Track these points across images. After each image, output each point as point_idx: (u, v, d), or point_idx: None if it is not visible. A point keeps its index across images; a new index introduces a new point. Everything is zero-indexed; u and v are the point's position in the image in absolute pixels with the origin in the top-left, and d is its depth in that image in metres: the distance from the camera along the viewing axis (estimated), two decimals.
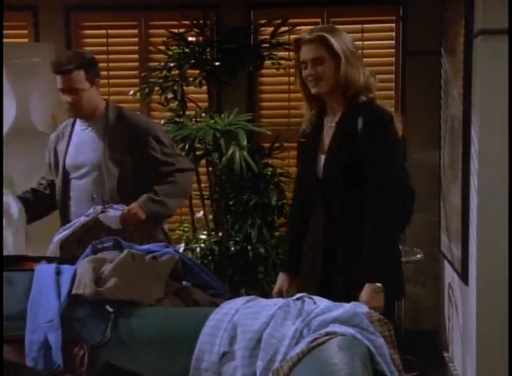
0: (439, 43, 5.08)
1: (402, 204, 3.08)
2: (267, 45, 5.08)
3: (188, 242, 4.99)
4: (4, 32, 5.04)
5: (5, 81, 4.75)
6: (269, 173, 4.95)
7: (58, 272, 2.82)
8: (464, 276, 4.23)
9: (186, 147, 4.63)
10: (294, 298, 2.61)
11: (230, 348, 2.47)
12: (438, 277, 5.27)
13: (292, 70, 5.17)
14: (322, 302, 2.56)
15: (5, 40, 5.06)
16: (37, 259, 3.09)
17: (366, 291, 2.96)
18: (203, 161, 5.02)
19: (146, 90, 5.01)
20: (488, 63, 3.87)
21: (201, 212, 5.14)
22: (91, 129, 3.75)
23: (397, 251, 3.18)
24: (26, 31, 5.45)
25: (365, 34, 5.33)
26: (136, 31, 5.46)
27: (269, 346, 2.41)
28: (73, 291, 2.70)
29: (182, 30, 5.13)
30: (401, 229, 3.29)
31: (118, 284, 2.72)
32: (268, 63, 5.14)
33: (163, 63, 5.06)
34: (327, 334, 2.33)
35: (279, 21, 5.07)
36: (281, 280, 3.32)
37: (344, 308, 2.45)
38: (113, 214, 3.56)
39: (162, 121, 4.99)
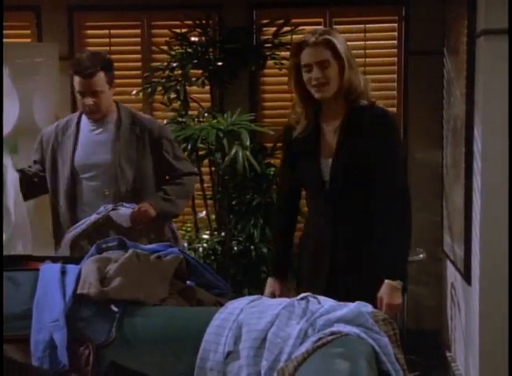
0: (441, 43, 5.08)
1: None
2: (269, 44, 5.09)
3: (191, 242, 4.99)
4: (6, 32, 5.05)
5: (7, 81, 4.74)
6: (272, 173, 4.95)
7: (63, 272, 2.84)
8: (467, 276, 4.24)
9: (189, 147, 4.65)
10: (299, 297, 2.61)
11: (235, 347, 2.48)
12: (440, 277, 5.27)
13: None
14: (327, 302, 2.57)
15: (7, 40, 5.06)
16: (42, 259, 3.10)
17: (387, 288, 3.01)
18: (206, 161, 5.03)
19: (149, 90, 5.01)
20: (491, 63, 3.89)
21: (204, 212, 5.15)
22: (102, 130, 3.76)
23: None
24: (28, 31, 5.45)
25: (367, 34, 5.33)
26: (139, 31, 5.47)
27: (274, 346, 2.41)
28: (79, 291, 2.71)
29: (184, 30, 5.14)
30: None
31: (123, 284, 2.73)
32: (270, 62, 5.14)
33: (165, 63, 5.07)
34: (332, 333, 2.34)
35: (281, 21, 5.07)
36: (271, 285, 3.29)
37: (349, 307, 2.46)
38: (124, 212, 3.61)
39: (165, 121, 4.99)
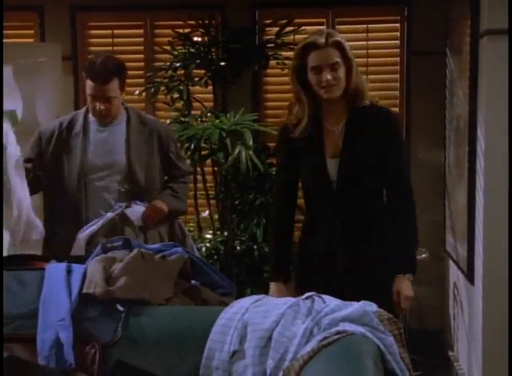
0: (444, 43, 5.10)
1: None
2: (272, 44, 5.10)
3: (193, 241, 5.00)
4: (9, 32, 5.07)
5: (11, 81, 4.75)
6: (274, 173, 4.90)
7: (68, 272, 2.84)
8: (470, 276, 4.25)
9: (192, 147, 4.66)
10: (304, 297, 2.62)
11: (240, 346, 2.49)
12: (442, 277, 5.29)
13: None
14: (332, 301, 2.58)
15: (11, 40, 5.08)
16: (47, 258, 3.11)
17: (403, 281, 3.14)
18: (209, 161, 5.04)
19: (152, 90, 5.03)
20: (494, 63, 3.89)
21: (207, 212, 5.16)
22: (112, 131, 3.76)
23: None
24: (31, 31, 5.46)
25: (369, 34, 5.35)
26: (142, 31, 5.49)
27: (280, 345, 2.42)
28: (84, 290, 2.72)
29: (187, 31, 5.15)
30: None
31: (128, 283, 2.74)
32: (272, 62, 5.15)
33: (168, 63, 5.08)
34: (337, 332, 2.35)
35: (284, 21, 5.09)
36: (278, 290, 3.24)
37: (354, 307, 2.48)
38: (138, 209, 3.68)
39: (168, 121, 5.01)
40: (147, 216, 3.68)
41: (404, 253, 3.16)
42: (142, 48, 5.50)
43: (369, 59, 5.27)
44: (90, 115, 3.77)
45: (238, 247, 4.89)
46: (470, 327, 4.35)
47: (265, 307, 2.60)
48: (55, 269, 2.86)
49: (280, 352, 2.41)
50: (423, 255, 4.95)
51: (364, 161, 3.10)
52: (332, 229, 3.16)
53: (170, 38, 5.19)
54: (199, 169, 4.96)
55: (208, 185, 5.11)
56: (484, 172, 3.95)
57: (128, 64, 5.31)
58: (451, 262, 5.00)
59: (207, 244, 4.96)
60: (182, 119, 4.99)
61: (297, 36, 5.07)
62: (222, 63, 5.02)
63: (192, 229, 5.19)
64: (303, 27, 5.08)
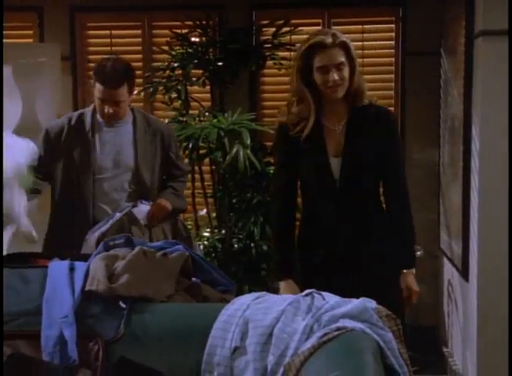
0: (438, 44, 5.14)
1: None
2: (269, 45, 5.14)
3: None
4: (9, 32, 5.10)
5: (10, 81, 4.78)
6: (271, 172, 4.93)
7: (71, 269, 2.87)
8: (465, 273, 4.30)
9: (190, 146, 4.69)
10: (303, 294, 2.65)
11: (242, 343, 2.52)
12: (437, 274, 5.32)
13: None
14: (332, 298, 2.61)
15: (10, 40, 5.10)
16: (50, 256, 3.14)
17: (409, 276, 3.22)
18: (207, 160, 5.08)
19: (150, 90, 5.06)
20: (489, 64, 3.94)
21: (204, 210, 5.19)
22: (118, 131, 3.79)
23: None
24: (31, 32, 5.48)
25: (365, 35, 5.39)
26: (140, 32, 5.52)
27: (280, 341, 2.46)
28: (87, 288, 2.75)
29: (185, 31, 5.18)
30: None
31: (131, 281, 2.77)
32: (269, 63, 5.19)
33: (166, 63, 5.11)
34: (337, 329, 2.38)
35: (280, 22, 5.12)
36: (289, 287, 3.22)
37: (354, 303, 2.51)
38: (143, 209, 3.74)
39: (166, 120, 5.04)
40: (152, 214, 3.74)
41: (405, 249, 3.23)
42: (140, 48, 5.53)
43: (365, 60, 5.29)
44: (98, 115, 3.78)
45: (236, 245, 4.92)
46: (465, 324, 4.40)
47: (265, 304, 2.63)
48: (58, 267, 2.90)
49: (281, 349, 2.44)
50: (418, 253, 4.98)
51: (364, 161, 3.14)
52: (334, 228, 3.18)
53: (168, 39, 5.21)
54: (197, 168, 4.98)
55: (206, 183, 5.15)
56: (479, 171, 4.00)
57: None
58: (445, 260, 5.04)
59: (205, 242, 5.00)
60: (180, 118, 5.02)
61: (293, 36, 5.13)
62: (220, 63, 5.07)
63: (190, 227, 5.22)
64: (299, 28, 5.13)
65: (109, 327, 2.69)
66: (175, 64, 5.06)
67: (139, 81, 5.32)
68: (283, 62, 5.11)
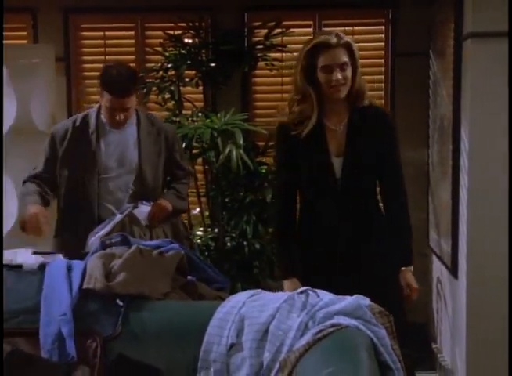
0: (427, 45, 5.20)
1: None
2: (261, 46, 5.17)
3: None
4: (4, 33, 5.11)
5: (5, 82, 4.81)
6: (264, 171, 5.03)
7: (69, 268, 2.91)
8: (454, 270, 4.35)
9: (183, 146, 4.72)
10: (298, 291, 2.70)
11: (238, 339, 2.56)
12: (426, 272, 5.35)
13: (285, 71, 5.31)
14: (326, 295, 2.65)
15: (4, 41, 5.12)
16: (47, 254, 3.18)
17: (408, 273, 3.27)
18: (200, 160, 5.11)
19: (144, 90, 5.07)
20: (478, 65, 3.99)
21: (197, 209, 5.22)
22: (123, 132, 3.82)
23: None
24: (25, 33, 5.50)
25: (355, 36, 5.37)
26: (133, 33, 5.54)
27: (276, 338, 2.50)
28: (85, 286, 2.80)
29: (178, 32, 5.20)
30: None
31: (128, 279, 2.82)
32: (261, 64, 5.23)
33: (159, 64, 5.14)
34: (332, 325, 2.42)
35: (272, 24, 5.16)
36: (294, 286, 3.17)
37: (348, 300, 2.55)
38: (144, 209, 3.78)
39: None
40: (153, 215, 3.78)
41: (403, 247, 3.27)
42: (133, 49, 5.55)
43: None
44: (102, 116, 3.80)
45: (228, 244, 4.95)
46: (454, 320, 4.45)
47: (261, 301, 2.68)
48: (55, 266, 2.94)
49: (276, 345, 2.47)
50: None
51: (365, 161, 3.18)
52: (335, 228, 3.20)
53: (161, 40, 5.24)
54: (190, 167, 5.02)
55: (199, 183, 5.19)
56: (468, 170, 4.04)
57: None
58: (434, 258, 5.10)
59: (198, 241, 5.01)
60: (174, 119, 5.04)
61: (285, 38, 5.18)
62: (212, 64, 5.10)
63: None
64: (291, 30, 5.17)
65: (106, 325, 2.74)
66: (168, 65, 5.09)
67: None
68: (274, 63, 5.16)
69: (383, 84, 5.51)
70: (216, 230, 5.04)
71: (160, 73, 5.11)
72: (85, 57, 5.59)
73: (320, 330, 2.42)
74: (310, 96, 3.14)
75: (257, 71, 5.43)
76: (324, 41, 3.09)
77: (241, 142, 4.66)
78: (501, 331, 4.00)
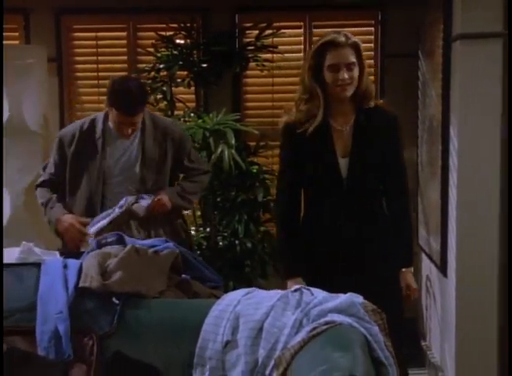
0: (416, 46, 5.22)
1: None
2: (252, 47, 5.19)
3: None
4: None
5: None
6: (255, 171, 5.05)
7: (65, 266, 2.95)
8: (443, 268, 4.38)
9: None
10: (292, 289, 2.74)
11: (233, 337, 2.60)
12: (415, 270, 5.36)
13: (276, 72, 5.38)
14: (320, 293, 2.69)
15: None
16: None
17: (408, 274, 3.33)
18: None
19: None
20: (467, 66, 4.02)
21: None
22: (128, 140, 3.79)
23: None
24: (17, 34, 5.50)
25: None
26: (125, 34, 5.54)
27: (270, 335, 2.53)
28: (81, 284, 2.83)
29: (170, 33, 5.22)
30: None
31: (123, 277, 2.85)
32: (252, 64, 5.25)
33: (151, 65, 5.15)
34: (326, 323, 2.46)
35: (263, 25, 5.17)
36: (300, 285, 3.08)
37: (341, 298, 2.59)
38: (144, 203, 3.76)
39: None
40: (151, 209, 3.74)
41: (404, 248, 3.31)
42: (125, 50, 5.56)
43: None
44: (109, 123, 3.77)
45: (220, 243, 4.96)
46: (443, 317, 4.48)
47: (255, 299, 2.72)
48: (51, 265, 2.98)
49: (271, 342, 2.51)
50: None
51: (371, 162, 3.20)
52: (339, 228, 3.22)
53: (153, 41, 5.25)
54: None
55: None
56: (457, 170, 4.08)
57: (111, 66, 5.48)
58: (423, 256, 5.13)
59: None
60: None
61: (275, 39, 5.20)
62: (204, 65, 5.10)
63: None
64: (282, 31, 5.20)
65: (103, 323, 2.78)
66: (160, 66, 5.10)
67: None
68: (265, 64, 5.18)
69: (372, 85, 5.51)
70: (208, 229, 5.05)
71: (152, 73, 5.12)
72: (77, 58, 5.59)
73: (314, 328, 2.45)
74: (317, 95, 3.16)
75: (248, 72, 5.44)
76: (332, 40, 3.11)
77: (233, 142, 4.68)
78: (490, 329, 4.08)
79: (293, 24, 5.47)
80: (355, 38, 3.16)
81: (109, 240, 3.22)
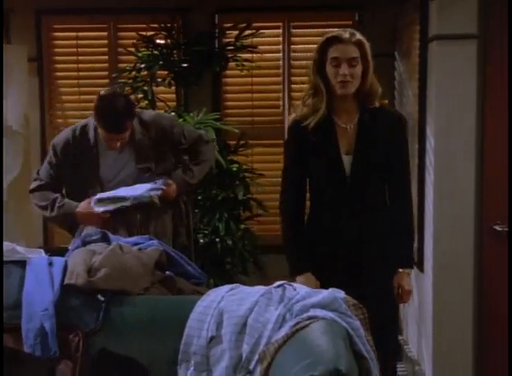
0: (393, 46, 5.29)
1: None
2: (231, 47, 5.22)
3: None
4: None
5: None
6: (235, 169, 5.08)
7: (50, 264, 2.95)
8: (420, 264, 4.44)
9: None
10: (275, 285, 2.75)
11: (217, 332, 2.62)
12: None
13: (255, 72, 5.42)
14: (302, 289, 2.71)
15: None
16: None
17: (405, 276, 3.28)
18: None
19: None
20: (443, 66, 4.09)
21: None
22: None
23: None
24: None
25: None
26: (106, 34, 5.56)
27: (254, 330, 2.56)
28: (66, 281, 2.84)
29: (150, 33, 5.24)
30: None
31: (109, 274, 2.87)
32: (232, 64, 5.28)
33: (132, 65, 5.17)
34: (309, 318, 2.48)
35: (243, 25, 5.21)
36: (307, 280, 3.19)
37: (324, 294, 2.61)
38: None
39: None
40: (165, 196, 3.74)
41: (404, 249, 3.29)
42: (106, 49, 5.57)
43: None
44: (99, 128, 3.69)
45: (201, 240, 4.97)
46: (421, 312, 4.54)
47: (239, 295, 2.74)
48: (37, 262, 2.98)
49: (255, 337, 2.54)
50: None
51: (374, 160, 3.19)
52: (341, 225, 3.23)
53: (134, 41, 5.27)
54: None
55: None
56: (434, 168, 4.14)
57: (92, 66, 5.49)
58: None
59: None
60: None
61: (255, 39, 5.24)
62: (184, 65, 5.13)
63: None
64: (261, 31, 5.24)
65: (88, 320, 2.78)
66: (141, 65, 5.13)
67: (106, 81, 5.43)
68: (245, 63, 5.21)
69: None
70: None
71: (133, 73, 5.14)
72: (58, 58, 5.61)
73: (297, 323, 2.48)
74: (320, 90, 3.16)
75: (228, 72, 5.48)
76: (336, 35, 3.12)
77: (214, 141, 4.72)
78: (466, 323, 4.15)
79: (273, 25, 5.52)
80: (361, 37, 3.15)
81: (94, 237, 3.22)
